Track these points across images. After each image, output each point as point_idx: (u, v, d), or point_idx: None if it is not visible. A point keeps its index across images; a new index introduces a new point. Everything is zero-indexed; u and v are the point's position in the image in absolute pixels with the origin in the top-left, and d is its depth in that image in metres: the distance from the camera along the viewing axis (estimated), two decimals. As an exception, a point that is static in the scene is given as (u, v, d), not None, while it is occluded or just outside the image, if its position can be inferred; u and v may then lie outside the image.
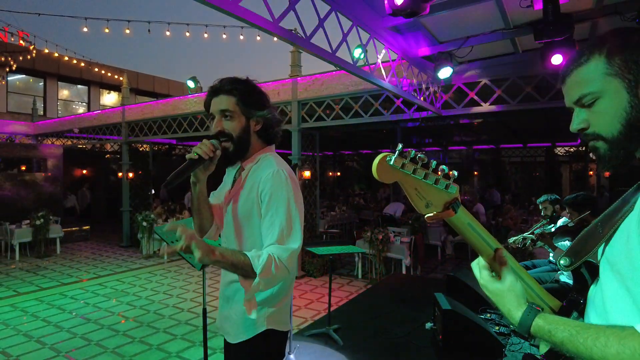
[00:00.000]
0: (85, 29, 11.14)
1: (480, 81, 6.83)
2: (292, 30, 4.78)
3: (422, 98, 6.44)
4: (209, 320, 3.82)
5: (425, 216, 0.94)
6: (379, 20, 4.93)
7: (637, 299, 0.79)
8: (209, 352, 3.77)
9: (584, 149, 16.15)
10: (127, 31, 11.35)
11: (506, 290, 0.93)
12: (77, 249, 11.52)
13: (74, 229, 12.69)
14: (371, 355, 3.69)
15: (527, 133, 14.84)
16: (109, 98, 21.94)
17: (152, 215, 10.54)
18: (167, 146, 17.59)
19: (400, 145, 0.90)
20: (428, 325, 3.80)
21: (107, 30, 11.26)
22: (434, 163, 0.91)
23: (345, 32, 4.41)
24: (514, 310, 0.91)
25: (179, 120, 11.03)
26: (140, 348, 4.95)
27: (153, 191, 13.22)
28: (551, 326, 0.84)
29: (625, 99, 0.88)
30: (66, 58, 14.44)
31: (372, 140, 16.46)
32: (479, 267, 1.01)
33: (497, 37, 5.55)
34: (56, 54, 13.97)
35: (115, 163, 16.88)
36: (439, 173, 0.91)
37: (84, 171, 18.38)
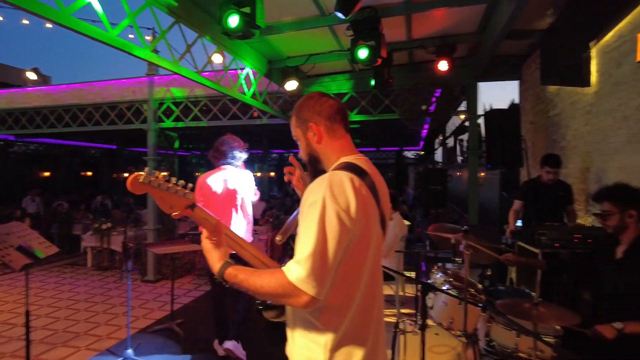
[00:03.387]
0: None
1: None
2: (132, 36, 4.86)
3: (271, 106, 6.99)
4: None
5: (172, 214, 1.36)
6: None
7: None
8: None
9: (423, 153, 18.70)
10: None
11: (213, 250, 1.36)
12: None
13: None
14: (208, 342, 4.05)
15: (379, 138, 16.69)
16: None
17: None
18: (1, 142, 15.37)
19: (147, 169, 1.32)
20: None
21: None
22: (176, 180, 1.35)
23: (190, 42, 4.68)
24: (216, 263, 1.32)
25: (16, 115, 9.87)
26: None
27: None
28: (237, 272, 1.28)
29: (304, 141, 1.49)
30: None
31: (245, 139, 16.70)
32: (204, 237, 1.40)
33: (333, 57, 6.38)
34: None
35: None
36: (179, 186, 1.34)
37: None
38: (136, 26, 3.84)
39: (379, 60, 4.91)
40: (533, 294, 2.95)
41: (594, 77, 4.47)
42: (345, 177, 1.26)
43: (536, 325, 2.14)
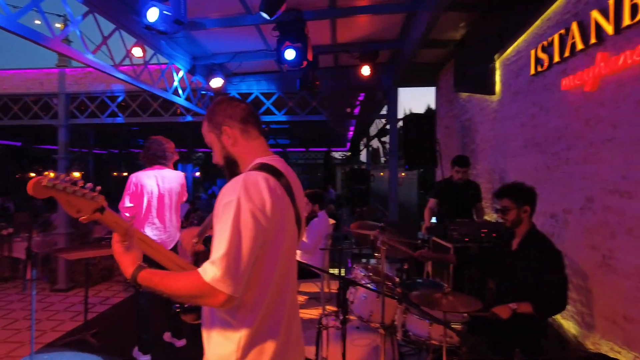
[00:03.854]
0: None
1: (251, 93, 7.61)
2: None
3: (195, 103, 6.80)
4: None
5: (79, 219, 1.29)
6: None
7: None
8: None
9: (350, 154, 19.27)
10: None
11: (125, 254, 1.31)
12: None
13: None
14: (125, 351, 3.85)
15: (308, 139, 16.91)
16: None
17: None
18: None
19: (51, 172, 1.23)
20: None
21: None
22: (83, 183, 1.28)
23: (106, 34, 4.40)
24: (128, 267, 1.28)
25: None
26: None
27: None
28: (151, 275, 1.24)
29: (218, 145, 1.48)
30: None
31: (167, 137, 15.96)
32: (115, 241, 1.34)
33: (260, 57, 6.36)
34: None
35: None
36: (86, 189, 1.27)
37: None
38: (42, 11, 3.53)
39: (305, 62, 5.00)
40: (445, 284, 3.20)
41: (498, 86, 4.95)
42: (260, 177, 1.28)
43: (446, 313, 2.33)
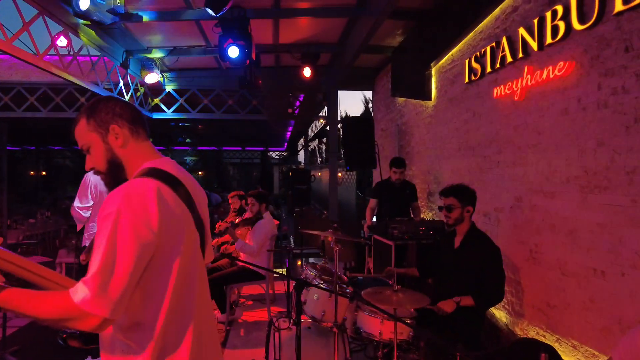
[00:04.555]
0: None
1: (189, 89, 7.35)
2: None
3: (128, 98, 6.42)
4: None
5: None
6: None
7: None
8: None
9: (287, 153, 19.28)
10: None
11: None
12: None
13: None
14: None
15: (245, 138, 16.64)
16: None
17: None
18: None
19: None
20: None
21: None
22: None
23: (27, 20, 4.00)
24: None
25: None
26: None
27: None
28: (11, 296, 1.07)
29: (101, 146, 1.29)
30: None
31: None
32: None
33: (199, 53, 6.16)
34: None
35: None
36: None
37: None
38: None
39: (248, 61, 4.93)
40: (390, 282, 3.32)
41: (433, 92, 5.24)
42: (148, 185, 1.16)
43: (396, 309, 2.43)
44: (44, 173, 19.70)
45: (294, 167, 11.51)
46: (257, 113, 8.09)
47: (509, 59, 3.51)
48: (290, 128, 13.72)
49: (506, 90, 3.56)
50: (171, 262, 1.18)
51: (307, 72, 6.31)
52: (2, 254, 1.18)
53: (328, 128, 8.14)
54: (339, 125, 8.61)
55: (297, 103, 8.52)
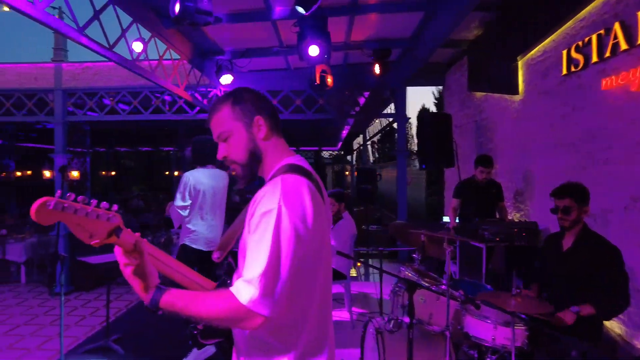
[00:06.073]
0: None
1: (259, 91, 7.46)
2: (57, 12, 4.25)
3: (205, 102, 6.62)
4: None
5: (92, 244, 1.05)
6: (161, 21, 4.87)
7: (240, 274, 1.09)
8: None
9: (342, 152, 19.23)
10: None
11: (138, 277, 1.09)
12: None
13: None
14: (155, 356, 3.69)
15: (299, 137, 16.76)
16: None
17: None
18: None
19: (59, 192, 1.00)
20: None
21: None
22: (97, 201, 1.06)
23: (124, 27, 4.21)
24: (144, 291, 1.08)
25: None
26: None
27: None
28: (174, 299, 1.06)
29: (245, 136, 1.25)
30: None
31: (153, 137, 15.56)
32: (122, 263, 1.11)
33: (271, 53, 6.23)
34: None
35: None
36: (101, 208, 1.05)
37: None
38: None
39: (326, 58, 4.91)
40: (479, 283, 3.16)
41: (521, 86, 4.96)
42: (302, 182, 1.14)
43: (515, 312, 2.29)
44: (113, 173, 20.97)
45: (360, 167, 11.44)
46: (322, 112, 8.09)
47: (624, 46, 3.22)
48: (347, 127, 13.64)
49: (619, 80, 3.28)
50: (319, 258, 1.18)
51: (377, 68, 6.21)
52: (154, 253, 1.18)
53: (395, 125, 7.98)
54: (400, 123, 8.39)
55: (362, 100, 8.43)
